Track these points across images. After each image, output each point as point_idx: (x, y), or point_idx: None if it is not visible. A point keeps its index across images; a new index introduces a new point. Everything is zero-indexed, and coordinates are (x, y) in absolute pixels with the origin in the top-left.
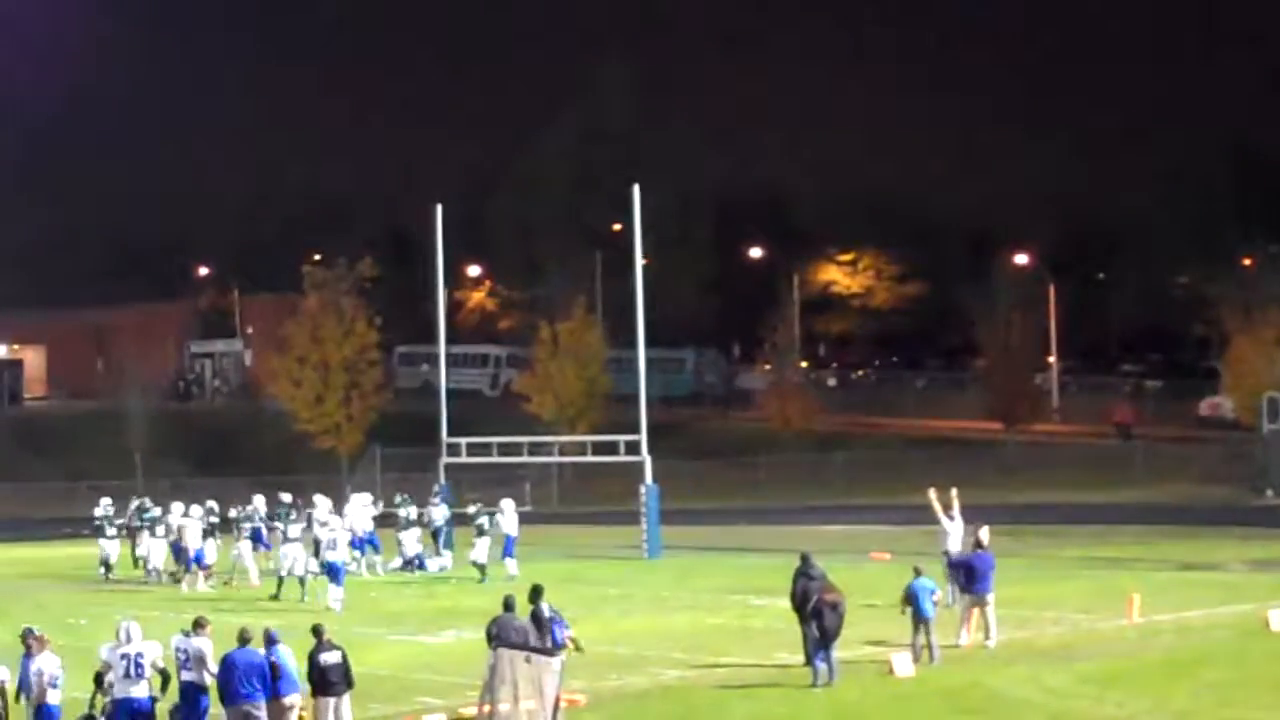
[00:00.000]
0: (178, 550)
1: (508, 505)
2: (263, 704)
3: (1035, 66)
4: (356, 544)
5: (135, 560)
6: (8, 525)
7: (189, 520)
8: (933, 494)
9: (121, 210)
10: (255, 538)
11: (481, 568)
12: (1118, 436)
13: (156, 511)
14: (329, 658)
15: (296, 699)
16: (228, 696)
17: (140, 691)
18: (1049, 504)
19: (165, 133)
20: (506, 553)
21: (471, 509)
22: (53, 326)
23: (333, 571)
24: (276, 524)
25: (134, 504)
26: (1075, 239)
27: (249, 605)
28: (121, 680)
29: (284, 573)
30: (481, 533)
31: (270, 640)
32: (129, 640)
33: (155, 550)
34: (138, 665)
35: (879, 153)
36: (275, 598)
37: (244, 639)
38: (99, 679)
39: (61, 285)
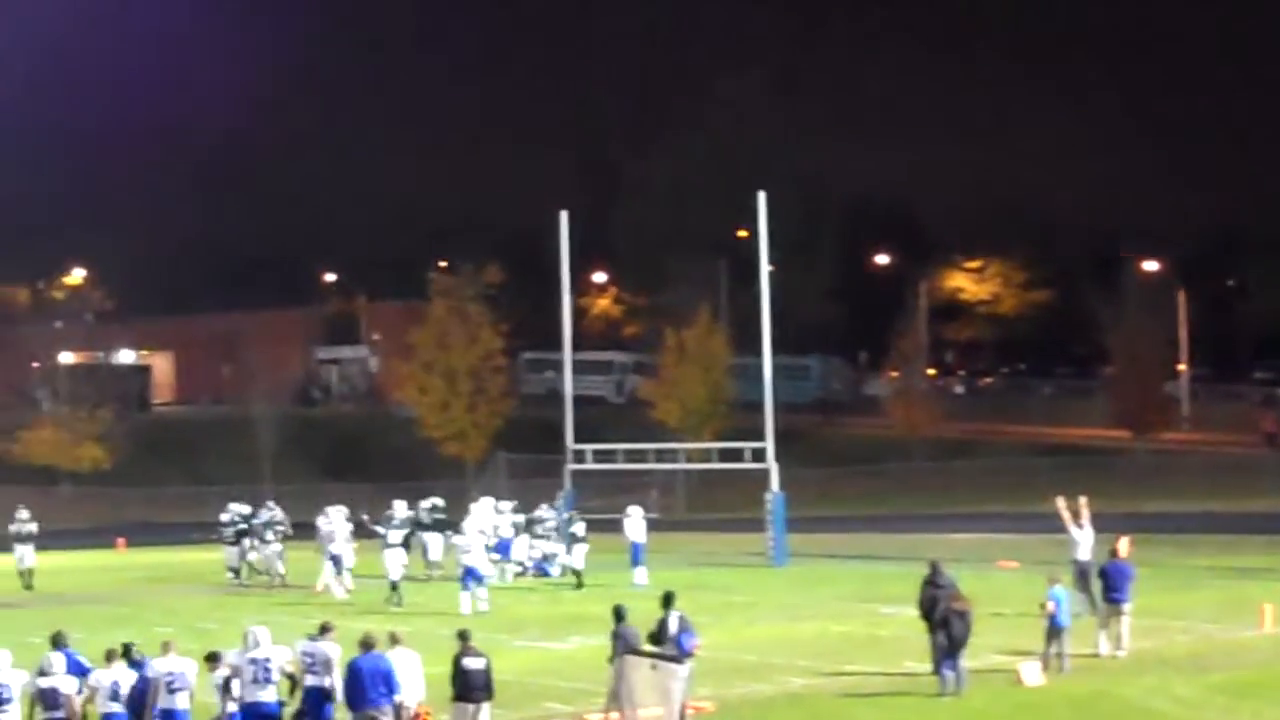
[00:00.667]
0: (333, 557)
1: (635, 512)
2: (389, 709)
3: (1164, 72)
4: (492, 550)
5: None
6: (137, 530)
7: (339, 525)
8: (1061, 502)
9: (249, 217)
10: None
11: (578, 573)
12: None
13: (269, 515)
14: (472, 663)
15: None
16: (355, 701)
17: (269, 696)
18: (1178, 513)
19: (293, 140)
20: (635, 561)
21: (565, 515)
22: (181, 332)
23: (470, 576)
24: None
25: (253, 510)
26: (1205, 245)
27: (372, 610)
28: (250, 685)
29: (394, 578)
30: (576, 539)
31: (365, 645)
32: (257, 645)
33: (272, 555)
34: (266, 670)
35: (1007, 159)
36: (398, 603)
37: (367, 644)
38: (227, 684)
39: (189, 292)
